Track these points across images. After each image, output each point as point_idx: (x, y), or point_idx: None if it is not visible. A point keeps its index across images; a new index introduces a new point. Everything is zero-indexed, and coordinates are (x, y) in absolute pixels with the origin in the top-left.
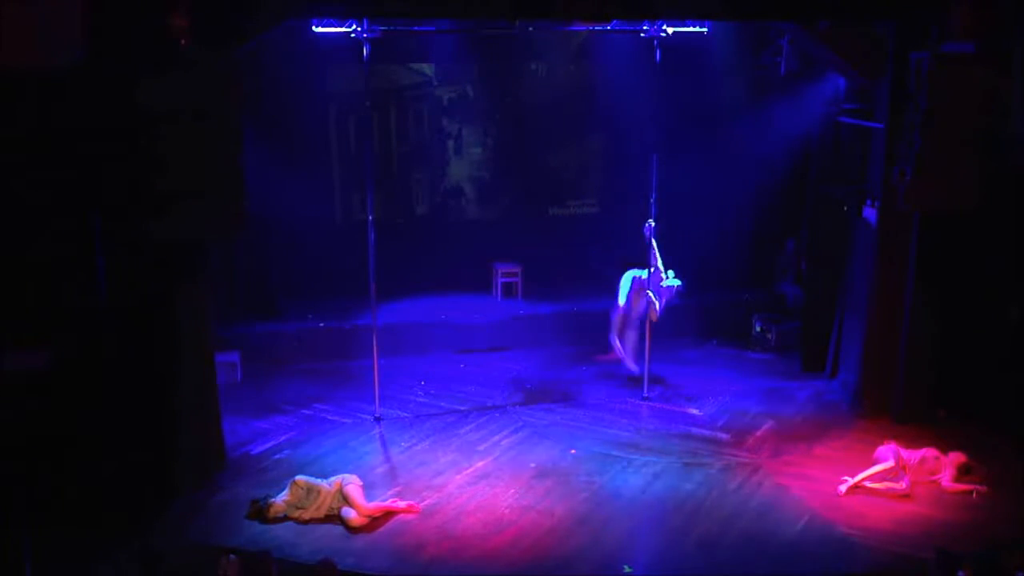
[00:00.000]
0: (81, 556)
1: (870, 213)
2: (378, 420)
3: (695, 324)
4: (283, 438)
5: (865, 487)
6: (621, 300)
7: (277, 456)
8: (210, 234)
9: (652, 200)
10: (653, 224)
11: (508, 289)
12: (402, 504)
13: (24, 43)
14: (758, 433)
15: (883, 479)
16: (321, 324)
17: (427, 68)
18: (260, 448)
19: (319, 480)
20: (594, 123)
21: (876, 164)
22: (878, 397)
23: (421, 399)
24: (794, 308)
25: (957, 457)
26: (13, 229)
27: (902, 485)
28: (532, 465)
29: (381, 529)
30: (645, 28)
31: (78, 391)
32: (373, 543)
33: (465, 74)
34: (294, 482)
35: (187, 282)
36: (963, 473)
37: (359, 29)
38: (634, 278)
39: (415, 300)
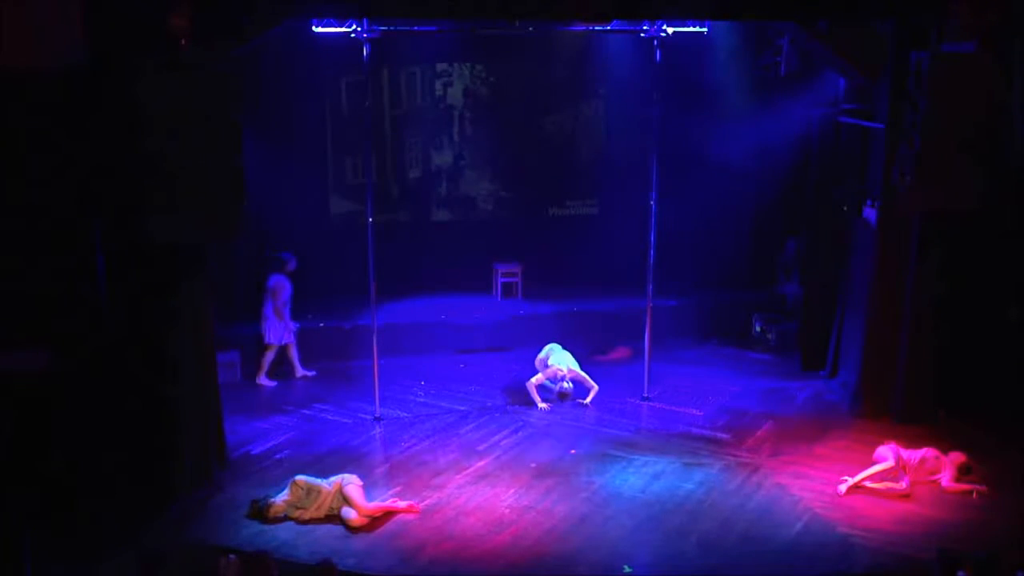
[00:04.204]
0: (81, 556)
1: (870, 213)
2: (378, 420)
3: (695, 324)
4: (283, 438)
5: (865, 487)
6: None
7: (277, 456)
8: (210, 235)
9: (652, 200)
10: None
11: (508, 289)
12: (402, 504)
13: (24, 43)
14: (758, 433)
15: (883, 479)
16: (321, 324)
17: (427, 68)
18: (260, 448)
19: (319, 480)
20: (594, 123)
21: (876, 164)
22: (878, 397)
23: (421, 399)
24: (794, 308)
25: (957, 457)
26: (13, 229)
27: (902, 485)
28: (532, 465)
29: (381, 529)
30: (645, 28)
31: (78, 391)
32: (373, 543)
33: (466, 74)
34: (294, 482)
35: (187, 282)
36: (963, 473)
37: (359, 29)
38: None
39: (415, 300)
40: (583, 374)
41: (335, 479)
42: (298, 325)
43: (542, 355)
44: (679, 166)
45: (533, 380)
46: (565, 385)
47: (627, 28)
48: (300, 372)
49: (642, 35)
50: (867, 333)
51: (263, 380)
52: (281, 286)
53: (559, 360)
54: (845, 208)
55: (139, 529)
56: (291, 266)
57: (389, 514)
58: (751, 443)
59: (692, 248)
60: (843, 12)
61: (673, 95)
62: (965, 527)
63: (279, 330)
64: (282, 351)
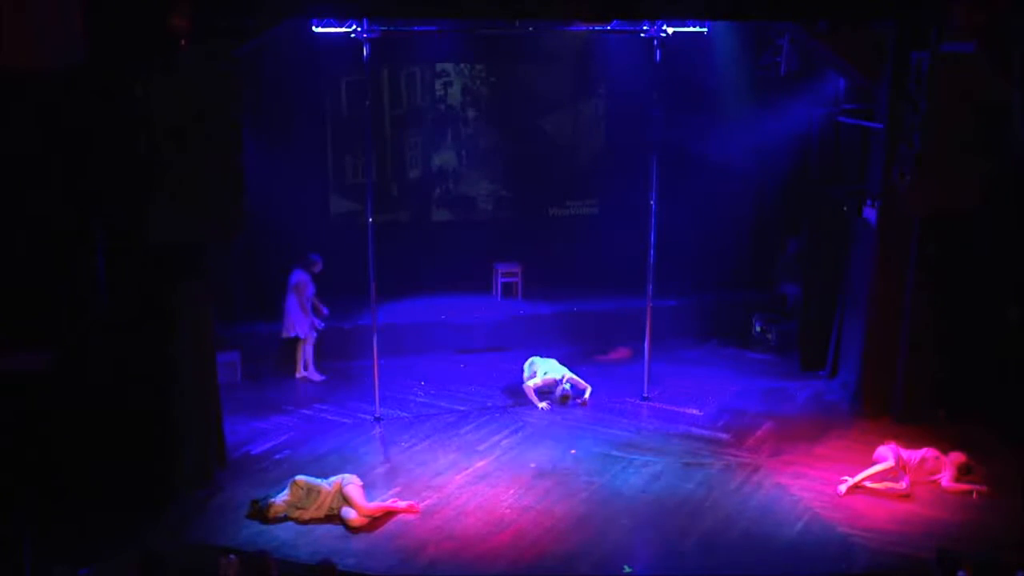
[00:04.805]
0: (81, 556)
1: (870, 213)
2: (378, 420)
3: (695, 324)
4: (283, 438)
5: (865, 487)
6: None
7: (277, 456)
8: (209, 235)
9: (652, 200)
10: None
11: (508, 289)
12: (402, 504)
13: (24, 43)
14: (758, 433)
15: (883, 479)
16: (321, 324)
17: (427, 68)
18: (260, 448)
19: (319, 480)
20: (594, 123)
21: (876, 164)
22: (878, 397)
23: (421, 399)
24: (794, 308)
25: (957, 457)
26: (13, 229)
27: (902, 485)
28: (532, 465)
29: (381, 529)
30: (645, 28)
31: (78, 391)
32: (373, 543)
33: (466, 74)
34: (294, 482)
35: (187, 282)
36: (963, 473)
37: (359, 29)
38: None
39: (415, 300)
40: (575, 376)
41: (335, 479)
42: (323, 325)
43: (527, 373)
44: (679, 166)
45: (530, 383)
46: (565, 387)
47: (627, 28)
48: (301, 373)
49: (642, 35)
50: (867, 333)
51: (313, 375)
52: (304, 282)
53: (548, 370)
54: (845, 208)
55: (139, 529)
56: (317, 268)
57: (389, 514)
58: (751, 443)
59: (692, 248)
60: (843, 12)
61: (673, 95)
62: (965, 527)
63: (305, 324)
64: (292, 345)
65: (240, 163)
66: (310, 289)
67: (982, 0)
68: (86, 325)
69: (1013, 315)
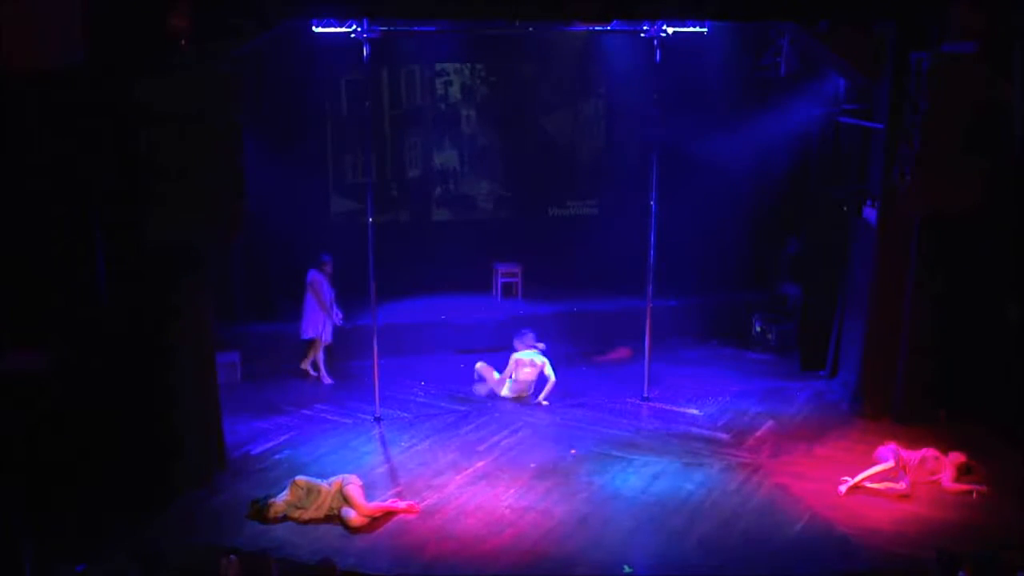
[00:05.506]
0: (81, 556)
1: (870, 213)
2: (378, 420)
3: (695, 324)
4: (283, 438)
5: (865, 487)
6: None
7: (277, 456)
8: (209, 235)
9: (652, 200)
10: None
11: (508, 289)
12: (402, 504)
13: (24, 43)
14: (758, 433)
15: (883, 479)
16: (340, 322)
17: (427, 68)
18: (260, 448)
19: (319, 480)
20: (594, 123)
21: (876, 164)
22: (878, 397)
23: (421, 399)
24: (794, 308)
25: (957, 457)
26: (13, 230)
27: (902, 485)
28: (532, 465)
29: (381, 529)
30: (645, 28)
31: (78, 392)
32: (373, 543)
33: (466, 74)
34: (294, 482)
35: (187, 282)
36: (963, 473)
37: (359, 29)
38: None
39: (415, 300)
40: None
41: (335, 479)
42: (346, 324)
43: (492, 375)
44: (679, 166)
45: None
46: (538, 345)
47: (627, 28)
48: (307, 366)
49: (642, 35)
50: (867, 333)
51: (324, 377)
52: (319, 282)
53: (525, 366)
54: (845, 208)
55: (139, 529)
56: (327, 268)
57: (389, 514)
58: (751, 443)
59: (692, 248)
60: (843, 12)
61: (673, 95)
62: (965, 527)
63: (316, 324)
64: (308, 344)
65: (240, 163)
66: (325, 288)
67: (982, 0)
68: (86, 325)
69: (1013, 315)
